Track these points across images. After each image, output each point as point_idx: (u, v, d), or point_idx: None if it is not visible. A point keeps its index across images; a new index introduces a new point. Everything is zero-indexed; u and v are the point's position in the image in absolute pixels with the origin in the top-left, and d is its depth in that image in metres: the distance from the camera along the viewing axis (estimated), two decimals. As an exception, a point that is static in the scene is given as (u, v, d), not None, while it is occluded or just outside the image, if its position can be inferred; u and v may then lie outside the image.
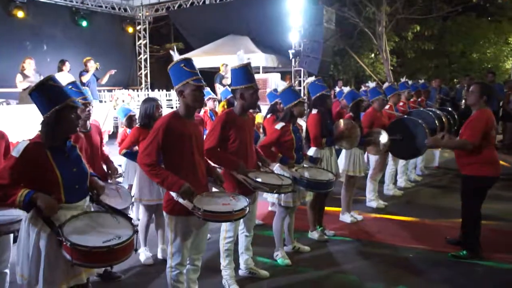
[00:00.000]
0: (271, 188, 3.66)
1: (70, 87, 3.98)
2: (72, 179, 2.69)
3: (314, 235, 5.37)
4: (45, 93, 2.66)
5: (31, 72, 8.85)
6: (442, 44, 23.27)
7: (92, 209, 2.82)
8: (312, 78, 5.43)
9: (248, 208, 3.14)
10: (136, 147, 4.60)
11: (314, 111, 5.12)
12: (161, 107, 4.67)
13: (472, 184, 4.67)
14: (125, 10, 16.06)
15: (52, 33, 13.34)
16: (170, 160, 3.14)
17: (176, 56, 3.22)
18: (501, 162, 5.04)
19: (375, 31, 17.59)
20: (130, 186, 5.53)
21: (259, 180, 3.63)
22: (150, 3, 16.00)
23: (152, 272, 4.43)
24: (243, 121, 3.80)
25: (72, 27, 14.04)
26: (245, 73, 3.73)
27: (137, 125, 4.69)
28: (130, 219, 2.73)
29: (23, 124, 7.89)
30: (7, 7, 12.13)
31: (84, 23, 14.23)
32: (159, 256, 4.73)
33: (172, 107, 12.64)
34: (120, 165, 6.44)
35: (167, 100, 12.84)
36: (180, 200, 3.02)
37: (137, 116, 5.60)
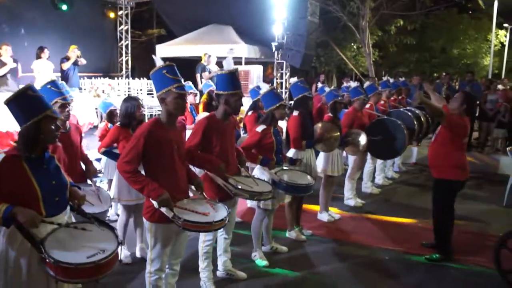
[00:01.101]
0: (252, 195, 3.69)
1: (49, 86, 3.92)
2: (52, 191, 2.64)
3: (292, 234, 5.43)
4: (24, 104, 2.59)
5: (7, 59, 8.64)
6: (424, 39, 23.55)
7: (73, 220, 2.78)
8: (294, 79, 5.44)
9: (227, 218, 3.16)
10: (115, 145, 4.58)
11: (295, 113, 5.14)
12: (143, 107, 4.65)
13: (442, 187, 4.82)
14: (107, -6, 15.73)
15: (30, 17, 12.89)
16: (150, 166, 3.13)
17: (158, 62, 3.19)
18: (473, 160, 5.17)
19: (358, 25, 17.66)
20: (110, 181, 5.52)
21: (239, 187, 3.65)
22: (133, -12, 15.76)
23: (130, 271, 4.42)
24: (225, 126, 3.81)
25: (52, 11, 13.43)
26: (231, 79, 3.73)
27: (117, 124, 4.66)
28: (113, 229, 2.70)
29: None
30: (-18, -12, 11.79)
31: (64, 7, 13.64)
32: (138, 255, 4.73)
33: (153, 96, 12.50)
34: (99, 159, 6.41)
35: (148, 91, 12.66)
36: (161, 208, 3.02)
37: (118, 111, 5.61)
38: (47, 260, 2.37)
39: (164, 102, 3.11)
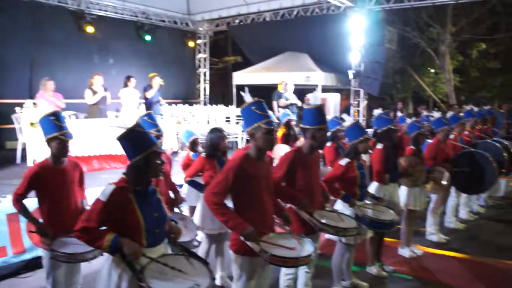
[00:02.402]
0: (337, 231, 3.65)
1: (145, 118, 4.17)
2: (154, 223, 2.78)
3: (372, 270, 5.27)
4: (133, 140, 2.78)
5: (99, 88, 9.29)
6: (509, 62, 22.27)
7: (169, 252, 2.89)
8: (378, 111, 5.35)
9: (313, 254, 3.14)
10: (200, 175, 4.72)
11: (379, 146, 5.04)
12: (227, 138, 4.77)
13: None
14: (187, 24, 16.44)
15: (118, 47, 13.93)
16: (239, 200, 3.20)
17: (247, 98, 3.29)
18: None
19: (437, 50, 17.11)
20: (191, 209, 5.67)
21: (324, 221, 3.62)
22: (211, 18, 16.33)
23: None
24: (310, 160, 3.82)
25: (137, 41, 14.59)
26: (318, 114, 3.77)
27: (202, 155, 4.81)
28: (207, 263, 2.77)
29: (90, 138, 8.35)
30: (78, 22, 12.78)
31: (148, 37, 14.73)
32: (218, 283, 4.79)
33: (229, 121, 12.83)
34: (181, 186, 6.64)
35: (226, 118, 12.99)
36: (248, 242, 3.06)
37: (200, 140, 5.80)
38: None
39: (254, 137, 3.19)
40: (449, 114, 7.52)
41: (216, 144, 4.61)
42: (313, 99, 3.80)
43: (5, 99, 10.96)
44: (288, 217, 3.44)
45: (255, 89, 3.46)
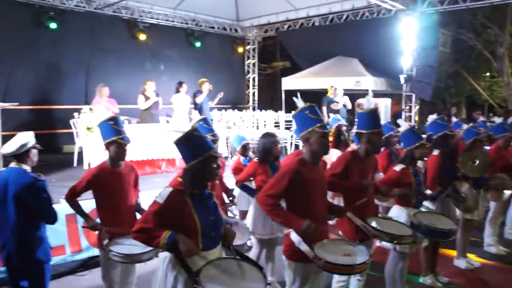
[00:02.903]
0: (392, 238, 3.55)
1: (201, 123, 4.25)
2: (209, 226, 2.81)
3: (426, 280, 5.10)
4: (191, 144, 2.82)
5: (151, 94, 9.53)
6: None
7: (224, 255, 2.91)
8: (434, 116, 5.18)
9: (368, 261, 3.06)
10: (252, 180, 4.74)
11: (436, 152, 4.88)
12: (279, 143, 4.76)
13: None
14: (236, 30, 16.64)
15: (169, 54, 14.29)
16: (293, 205, 3.19)
17: (300, 103, 3.28)
18: None
19: (495, 52, 16.40)
20: (242, 213, 5.69)
21: (379, 228, 3.53)
22: (260, 24, 16.42)
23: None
24: (366, 163, 3.77)
25: (187, 48, 14.93)
26: (373, 117, 3.73)
27: (254, 160, 4.82)
28: (261, 268, 2.76)
29: (143, 142, 8.57)
30: (132, 31, 13.27)
31: (198, 44, 15.04)
32: (268, 288, 4.77)
33: (278, 126, 12.85)
34: (232, 190, 6.69)
35: (275, 123, 13.02)
36: (302, 248, 3.03)
37: (250, 145, 5.81)
38: None
39: (308, 142, 3.17)
40: (510, 119, 7.18)
41: (269, 149, 4.61)
42: (366, 103, 3.76)
43: (63, 105, 11.53)
44: (341, 211, 3.45)
45: (304, 95, 3.42)
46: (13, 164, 3.56)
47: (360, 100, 12.58)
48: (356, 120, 3.93)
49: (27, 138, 3.56)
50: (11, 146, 3.50)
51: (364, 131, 3.71)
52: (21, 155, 3.53)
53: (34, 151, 3.62)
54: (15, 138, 3.55)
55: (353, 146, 5.83)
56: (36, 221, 3.57)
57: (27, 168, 3.56)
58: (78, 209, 3.90)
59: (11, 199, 3.46)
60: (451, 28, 14.21)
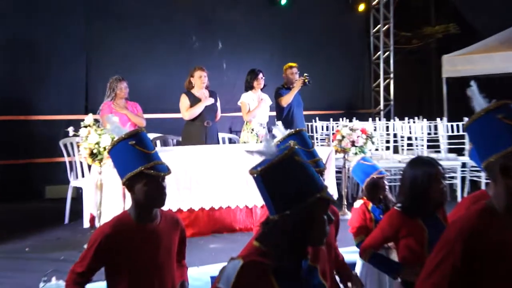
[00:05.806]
0: None
1: (294, 142, 2.16)
2: None
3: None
4: (287, 177, 1.63)
5: (202, 92, 5.94)
6: None
7: None
8: None
9: None
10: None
11: None
12: (444, 178, 2.73)
13: None
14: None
15: (231, 20, 8.78)
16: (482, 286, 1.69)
17: (477, 100, 1.75)
18: None
19: None
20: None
21: None
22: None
23: None
24: None
25: (264, 8, 9.25)
26: None
27: (396, 208, 2.98)
28: None
29: (190, 178, 5.16)
30: None
31: (284, 1, 9.08)
32: None
33: (437, 146, 7.74)
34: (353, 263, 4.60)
35: (428, 139, 7.63)
36: None
37: (387, 181, 4.09)
38: None
39: (505, 174, 1.68)
40: None
41: (425, 189, 2.76)
42: None
43: (46, 114, 7.06)
44: None
45: (483, 83, 1.88)
46: None
47: None
48: None
49: None
50: None
51: None
52: None
53: None
54: None
55: None
56: None
57: None
58: None
59: None
60: None
